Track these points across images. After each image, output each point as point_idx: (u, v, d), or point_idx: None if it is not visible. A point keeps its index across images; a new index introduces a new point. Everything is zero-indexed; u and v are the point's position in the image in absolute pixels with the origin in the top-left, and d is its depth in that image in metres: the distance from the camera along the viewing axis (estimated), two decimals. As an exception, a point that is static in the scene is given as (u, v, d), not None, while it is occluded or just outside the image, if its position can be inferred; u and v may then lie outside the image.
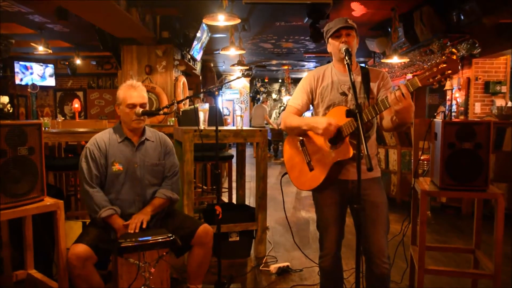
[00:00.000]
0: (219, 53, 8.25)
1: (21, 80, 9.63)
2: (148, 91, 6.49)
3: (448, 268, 2.73)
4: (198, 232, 2.28)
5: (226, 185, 5.18)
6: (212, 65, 11.64)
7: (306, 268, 3.08)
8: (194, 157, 3.05)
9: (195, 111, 2.78)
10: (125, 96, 2.28)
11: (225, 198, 4.78)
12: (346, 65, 1.81)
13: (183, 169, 3.03)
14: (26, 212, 2.03)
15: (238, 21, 4.28)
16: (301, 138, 2.09)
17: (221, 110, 11.61)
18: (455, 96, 6.95)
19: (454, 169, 2.18)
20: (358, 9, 5.77)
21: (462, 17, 5.00)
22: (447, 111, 6.95)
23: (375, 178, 2.01)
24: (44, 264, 2.55)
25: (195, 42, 6.89)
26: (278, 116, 13.23)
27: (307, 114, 2.58)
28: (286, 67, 12.48)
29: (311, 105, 2.12)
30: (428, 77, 1.68)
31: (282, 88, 16.34)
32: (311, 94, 2.07)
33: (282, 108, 15.12)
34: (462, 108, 6.81)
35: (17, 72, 9.55)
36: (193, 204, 3.13)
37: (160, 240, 2.01)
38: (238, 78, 3.04)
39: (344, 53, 1.85)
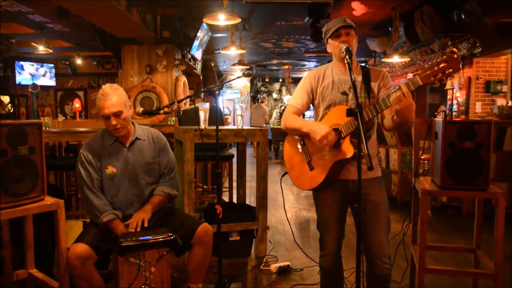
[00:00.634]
0: (219, 52, 8.26)
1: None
2: (148, 91, 6.56)
3: (449, 268, 2.72)
4: (198, 231, 2.27)
5: (226, 184, 5.18)
6: (212, 64, 11.65)
7: (307, 268, 3.08)
8: (195, 157, 3.05)
9: (196, 111, 2.78)
10: (99, 107, 2.20)
11: (225, 198, 4.78)
12: (347, 64, 1.81)
13: (183, 168, 3.03)
14: (26, 212, 2.03)
15: (238, 20, 4.27)
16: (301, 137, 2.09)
17: (222, 109, 11.61)
18: (456, 95, 6.94)
19: (455, 169, 2.17)
20: (358, 9, 5.77)
21: (463, 17, 4.99)
22: (447, 111, 6.94)
23: (376, 177, 2.01)
24: (45, 264, 2.55)
25: (195, 42, 6.89)
26: (279, 116, 13.23)
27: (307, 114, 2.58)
28: (286, 67, 12.49)
29: (311, 105, 2.12)
30: (430, 75, 1.68)
31: (283, 88, 16.34)
32: (311, 93, 2.07)
33: (282, 107, 15.12)
34: (463, 108, 6.81)
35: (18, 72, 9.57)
36: (194, 203, 3.13)
37: (160, 239, 2.01)
38: (238, 77, 3.03)
39: (344, 52, 1.85)
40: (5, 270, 2.36)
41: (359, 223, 1.70)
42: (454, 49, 5.67)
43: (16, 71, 9.58)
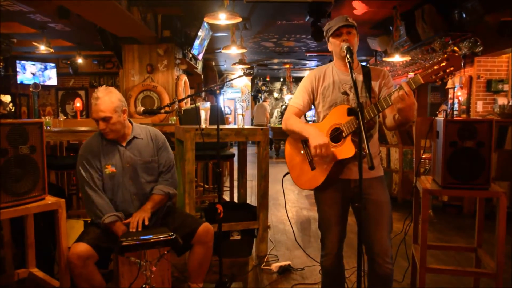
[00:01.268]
0: (220, 52, 8.26)
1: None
2: (149, 90, 6.56)
3: (450, 267, 2.72)
4: (199, 231, 2.27)
5: (227, 184, 5.17)
6: (213, 64, 11.65)
7: (308, 267, 3.08)
8: (196, 156, 3.05)
9: (197, 110, 2.78)
10: (91, 110, 2.25)
11: (226, 197, 4.78)
12: (348, 63, 1.81)
13: (184, 168, 3.03)
14: (27, 211, 2.03)
15: (239, 19, 4.27)
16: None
17: (223, 109, 11.60)
18: (457, 94, 6.93)
19: (456, 168, 2.17)
20: (359, 8, 5.76)
21: (464, 15, 4.98)
22: (449, 110, 6.92)
23: (378, 177, 2.00)
24: (45, 263, 2.56)
25: (196, 41, 6.89)
26: (280, 115, 13.21)
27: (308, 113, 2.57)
28: (287, 66, 12.48)
29: (312, 105, 2.12)
30: (431, 74, 1.68)
31: (284, 87, 16.32)
32: (312, 94, 2.06)
33: (284, 107, 15.11)
34: (464, 107, 6.79)
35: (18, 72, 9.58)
36: (195, 203, 3.13)
37: (161, 238, 2.00)
38: (239, 77, 3.03)
39: (345, 51, 1.84)
40: (6, 269, 2.36)
41: (360, 223, 1.70)
42: (455, 48, 5.66)
43: (17, 71, 9.57)
